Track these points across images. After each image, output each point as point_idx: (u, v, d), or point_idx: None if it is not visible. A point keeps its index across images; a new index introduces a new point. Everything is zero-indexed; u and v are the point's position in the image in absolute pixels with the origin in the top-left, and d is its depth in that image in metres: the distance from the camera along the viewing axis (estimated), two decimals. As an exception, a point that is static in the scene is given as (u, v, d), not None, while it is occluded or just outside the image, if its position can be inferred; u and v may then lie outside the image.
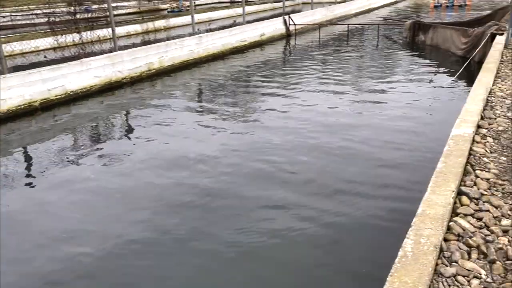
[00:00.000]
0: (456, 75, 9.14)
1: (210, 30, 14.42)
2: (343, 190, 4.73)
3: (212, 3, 38.39)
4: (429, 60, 12.03)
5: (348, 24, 17.46)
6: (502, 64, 7.27)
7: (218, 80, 10.87)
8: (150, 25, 21.41)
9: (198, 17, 22.05)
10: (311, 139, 6.25)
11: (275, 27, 16.94)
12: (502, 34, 9.89)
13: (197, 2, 36.26)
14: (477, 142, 4.07)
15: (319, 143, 6.10)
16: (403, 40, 15.07)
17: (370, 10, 26.92)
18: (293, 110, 7.81)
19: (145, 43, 13.28)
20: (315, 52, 14.29)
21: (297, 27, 17.62)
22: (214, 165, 5.54)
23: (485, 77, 6.07)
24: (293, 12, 21.62)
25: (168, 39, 13.39)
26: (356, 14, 24.89)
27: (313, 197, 4.63)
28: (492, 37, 9.96)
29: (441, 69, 10.76)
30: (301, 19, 18.50)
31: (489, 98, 5.37)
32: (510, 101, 5.24)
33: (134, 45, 12.09)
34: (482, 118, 4.71)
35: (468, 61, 9.61)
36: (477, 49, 9.94)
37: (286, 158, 5.63)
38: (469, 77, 8.86)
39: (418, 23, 14.88)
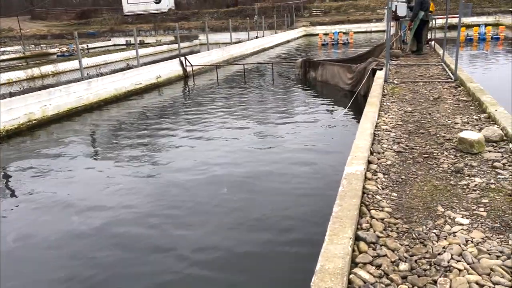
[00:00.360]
0: (345, 110, 9.63)
1: (102, 74, 13.63)
2: (239, 255, 4.39)
3: (107, 46, 37.26)
4: (321, 96, 12.62)
5: (244, 64, 17.89)
6: (384, 97, 7.75)
7: (110, 128, 10.15)
8: (36, 71, 19.84)
9: (91, 60, 21.05)
10: (209, 192, 5.92)
11: (171, 68, 16.70)
12: (381, 69, 10.73)
13: (90, 45, 34.93)
14: (369, 179, 4.07)
15: (217, 198, 5.75)
16: (296, 77, 15.78)
17: (264, 50, 28.15)
18: (191, 157, 7.46)
19: (25, 91, 12.03)
20: (213, 92, 14.26)
21: (194, 68, 17.58)
22: (96, 239, 4.86)
23: (370, 111, 6.35)
24: (192, 53, 21.68)
25: (52, 85, 12.30)
26: (252, 54, 25.81)
27: (205, 269, 4.21)
28: (373, 72, 10.77)
29: (332, 105, 11.29)
30: (198, 60, 18.54)
31: (376, 132, 5.56)
32: (394, 134, 5.48)
33: (11, 94, 10.88)
34: (371, 153, 4.80)
35: (355, 95, 10.22)
36: (362, 84, 10.66)
37: (178, 220, 5.19)
38: (358, 111, 9.38)
39: (308, 60, 15.73)
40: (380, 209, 3.49)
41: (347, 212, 3.30)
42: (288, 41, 34.54)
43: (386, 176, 4.17)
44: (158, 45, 32.24)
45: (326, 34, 30.90)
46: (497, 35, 24.84)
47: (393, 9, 13.94)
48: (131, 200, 5.81)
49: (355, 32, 34.18)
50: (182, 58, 17.45)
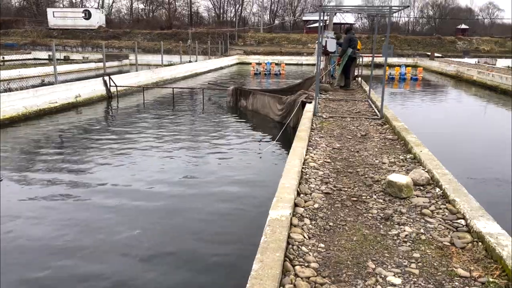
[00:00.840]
0: (274, 142, 9.35)
1: (10, 89, 12.24)
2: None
3: (26, 59, 34.60)
4: (250, 126, 12.26)
5: (174, 87, 17.26)
6: (312, 132, 7.56)
7: (13, 151, 8.93)
8: None
9: (3, 74, 19.12)
10: (118, 233, 5.17)
11: (93, 88, 15.57)
12: (310, 102, 10.70)
13: (7, 58, 32.13)
14: (295, 226, 3.65)
15: (124, 242, 5.02)
16: (227, 104, 15.41)
17: (197, 74, 27.72)
18: (103, 190, 6.63)
19: None
20: (139, 116, 13.38)
21: (120, 88, 16.59)
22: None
23: (298, 147, 6.05)
24: (120, 72, 20.62)
25: None
26: (184, 78, 25.22)
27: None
28: (303, 104, 10.69)
29: (261, 136, 10.92)
30: (124, 80, 17.57)
31: (303, 170, 5.23)
32: (322, 173, 5.18)
33: None
34: (298, 194, 4.42)
35: (284, 127, 10.03)
36: (291, 116, 10.52)
37: (84, 268, 4.43)
38: (287, 143, 9.10)
39: (239, 89, 15.47)
40: (306, 264, 3.07)
41: (268, 270, 2.82)
42: (221, 68, 34.49)
43: (313, 222, 3.79)
44: (84, 63, 30.52)
45: (259, 64, 31.25)
46: (416, 76, 26.70)
47: (324, 44, 14.27)
48: (20, 246, 4.89)
49: (287, 64, 35.05)
50: (106, 78, 16.39)
